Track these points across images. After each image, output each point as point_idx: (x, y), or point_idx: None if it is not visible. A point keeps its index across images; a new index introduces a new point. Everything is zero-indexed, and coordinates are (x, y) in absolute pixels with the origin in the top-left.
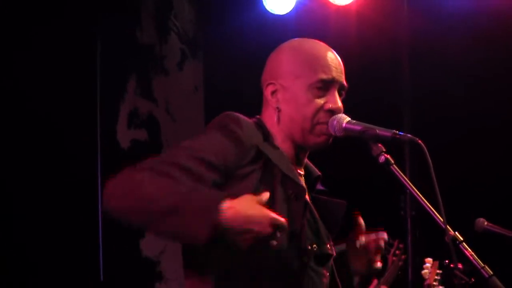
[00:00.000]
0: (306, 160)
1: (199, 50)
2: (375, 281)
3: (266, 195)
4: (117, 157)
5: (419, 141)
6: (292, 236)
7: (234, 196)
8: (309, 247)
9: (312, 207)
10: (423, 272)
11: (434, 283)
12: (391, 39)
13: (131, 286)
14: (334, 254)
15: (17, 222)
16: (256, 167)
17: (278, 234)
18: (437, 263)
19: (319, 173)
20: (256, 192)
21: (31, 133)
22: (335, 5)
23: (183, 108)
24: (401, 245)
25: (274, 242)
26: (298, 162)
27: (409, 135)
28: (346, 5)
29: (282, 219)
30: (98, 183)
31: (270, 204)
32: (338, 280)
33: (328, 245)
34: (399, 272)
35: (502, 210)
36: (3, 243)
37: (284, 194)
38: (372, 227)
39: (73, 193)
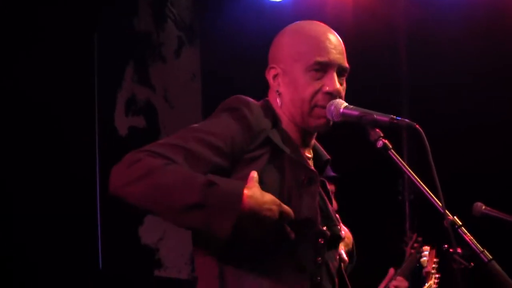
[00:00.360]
0: (315, 142)
1: (196, 37)
2: (391, 271)
3: (254, 173)
4: (115, 144)
5: (417, 126)
6: (306, 219)
7: (242, 179)
8: (325, 229)
9: (321, 190)
10: (421, 260)
11: (433, 270)
12: (388, 26)
13: (130, 274)
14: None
15: (16, 210)
16: (264, 151)
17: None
18: (434, 251)
19: (329, 157)
20: (263, 174)
21: (30, 121)
22: None
23: (181, 95)
24: (419, 238)
25: (292, 234)
26: (305, 144)
27: (407, 120)
28: None
29: (287, 208)
30: (96, 170)
31: (278, 189)
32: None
33: (339, 227)
34: (417, 264)
35: (500, 195)
36: (1, 231)
37: (294, 179)
38: (370, 211)
39: (71, 181)
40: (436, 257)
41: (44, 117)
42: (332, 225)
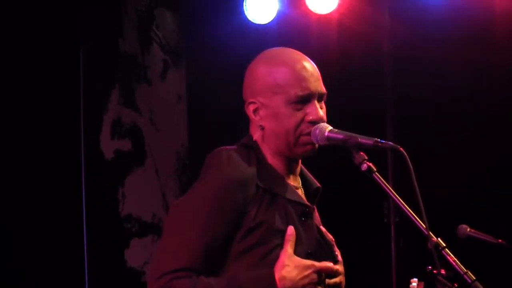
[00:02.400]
0: (303, 169)
1: (182, 60)
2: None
3: (291, 230)
4: (101, 167)
5: (401, 148)
6: (308, 255)
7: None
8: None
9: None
10: None
11: None
12: (373, 48)
13: None
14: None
15: (1, 235)
16: (260, 200)
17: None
18: (422, 284)
19: (319, 185)
20: (264, 221)
21: (15, 143)
22: (316, 14)
23: (167, 117)
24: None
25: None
26: (292, 173)
27: (390, 142)
28: (327, 14)
29: (322, 264)
30: (82, 193)
31: (282, 231)
32: None
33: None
34: None
35: (484, 217)
36: None
37: (291, 217)
38: (356, 234)
39: (57, 203)
40: None
41: (30, 140)
42: (333, 258)
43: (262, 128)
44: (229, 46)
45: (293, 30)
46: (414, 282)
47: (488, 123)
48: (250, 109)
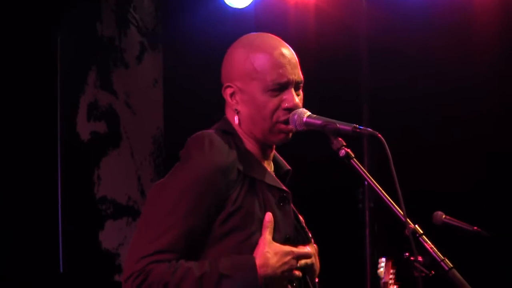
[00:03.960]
0: (274, 153)
1: (159, 43)
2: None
3: (269, 216)
4: (77, 149)
5: (379, 135)
6: (286, 240)
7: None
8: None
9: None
10: (378, 271)
11: (390, 281)
12: (350, 34)
13: (90, 278)
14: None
15: None
16: (240, 184)
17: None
18: (390, 261)
19: (289, 168)
20: (244, 204)
21: None
22: None
23: (143, 101)
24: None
25: (298, 273)
26: (266, 157)
27: (369, 129)
28: None
29: (300, 250)
30: (58, 175)
31: (261, 214)
32: None
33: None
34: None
35: (460, 204)
36: None
37: (269, 201)
38: (330, 220)
39: (32, 184)
40: (392, 267)
41: (5, 121)
42: (307, 241)
43: (238, 112)
44: (206, 30)
45: (270, 15)
46: (382, 262)
47: (468, 111)
48: (227, 92)
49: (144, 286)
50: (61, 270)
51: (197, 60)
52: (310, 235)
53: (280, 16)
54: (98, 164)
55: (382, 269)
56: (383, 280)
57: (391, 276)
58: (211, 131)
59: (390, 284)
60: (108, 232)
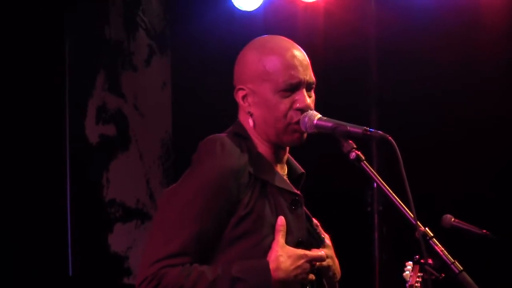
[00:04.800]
0: (288, 156)
1: (167, 46)
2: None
3: (282, 220)
4: (85, 152)
5: (390, 138)
6: (299, 243)
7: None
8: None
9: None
10: (404, 274)
11: (417, 284)
12: (359, 36)
13: (99, 281)
14: None
15: None
16: (252, 188)
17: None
18: (418, 266)
19: (303, 171)
20: (256, 208)
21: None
22: (303, 2)
23: (151, 104)
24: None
25: (311, 276)
26: (279, 161)
27: (380, 131)
28: (314, 2)
29: (314, 253)
30: (67, 178)
31: (273, 218)
32: None
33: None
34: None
35: (469, 207)
36: None
37: (281, 205)
38: (339, 223)
39: (41, 188)
40: (420, 271)
41: (15, 125)
42: (322, 243)
43: (251, 115)
44: (214, 33)
45: (279, 18)
46: (409, 265)
47: (476, 113)
48: (239, 95)
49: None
50: (70, 273)
51: (205, 63)
52: (326, 238)
53: (289, 19)
54: (107, 167)
55: (408, 273)
56: (408, 283)
57: (417, 279)
58: (223, 135)
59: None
60: (117, 235)
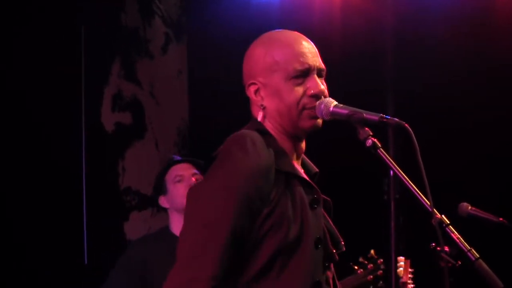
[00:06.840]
0: (303, 157)
1: (183, 34)
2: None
3: None
4: (101, 140)
5: (406, 125)
6: (317, 240)
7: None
8: (334, 251)
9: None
10: (398, 270)
11: (409, 281)
12: (376, 26)
13: None
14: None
15: (1, 207)
16: (276, 185)
17: None
18: (409, 261)
19: (317, 170)
20: (281, 202)
21: (15, 117)
22: None
23: (167, 91)
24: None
25: None
26: (298, 157)
27: (396, 119)
28: None
29: None
30: (82, 166)
31: (293, 213)
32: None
33: (342, 243)
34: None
35: (486, 195)
36: None
37: (302, 200)
38: (354, 212)
39: (57, 176)
40: (411, 267)
41: (31, 113)
42: (337, 244)
43: (264, 108)
44: (230, 21)
45: (295, 6)
46: (401, 260)
47: (493, 101)
48: (251, 90)
49: None
50: (86, 262)
51: (221, 51)
52: (342, 242)
53: (305, 8)
54: (123, 155)
55: (401, 269)
56: (402, 280)
57: (410, 276)
58: (250, 131)
59: (409, 284)
60: (133, 224)
